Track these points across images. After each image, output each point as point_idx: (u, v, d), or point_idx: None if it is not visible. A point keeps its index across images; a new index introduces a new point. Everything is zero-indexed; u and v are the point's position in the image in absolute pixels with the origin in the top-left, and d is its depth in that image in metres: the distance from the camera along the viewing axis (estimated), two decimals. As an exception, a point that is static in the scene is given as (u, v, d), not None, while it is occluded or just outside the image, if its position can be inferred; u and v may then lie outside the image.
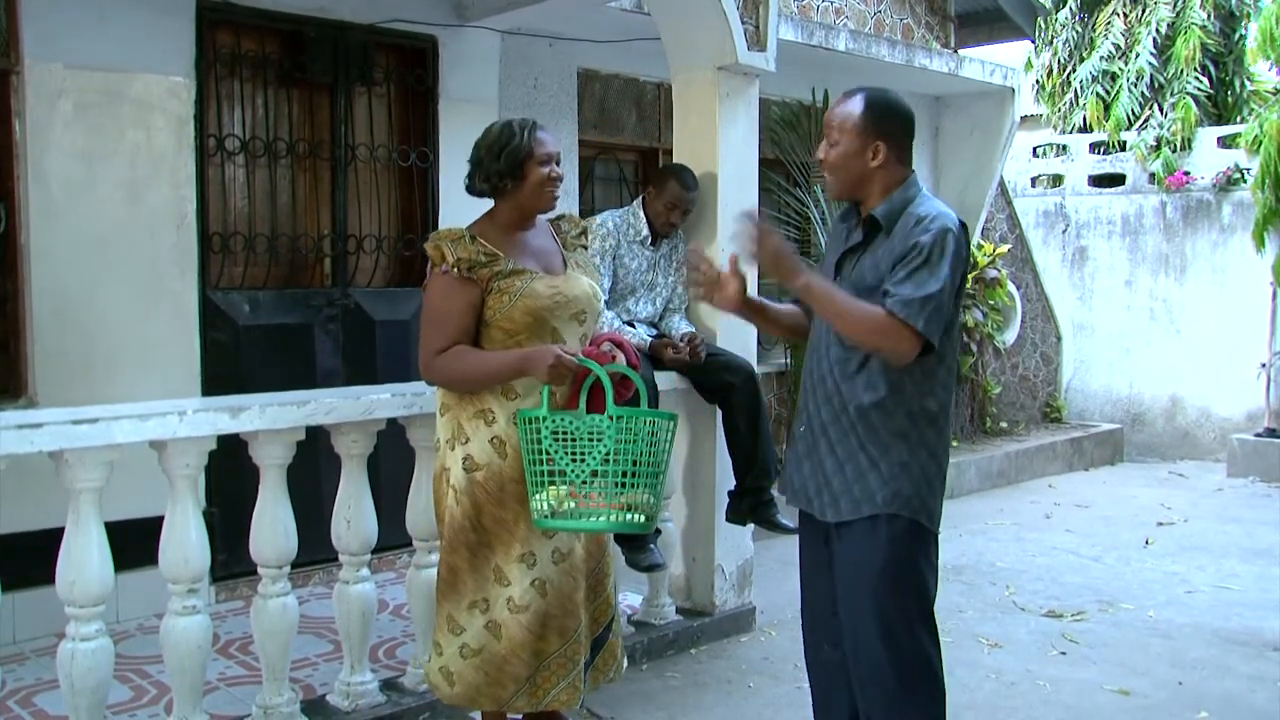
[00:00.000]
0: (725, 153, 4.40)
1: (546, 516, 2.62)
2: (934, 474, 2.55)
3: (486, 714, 3.02)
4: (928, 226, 2.46)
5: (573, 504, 2.60)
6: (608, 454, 2.57)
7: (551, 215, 3.07)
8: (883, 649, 2.52)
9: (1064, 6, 11.58)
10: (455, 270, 2.75)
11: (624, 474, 2.58)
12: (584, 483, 2.59)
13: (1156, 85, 10.64)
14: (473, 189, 2.94)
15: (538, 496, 2.63)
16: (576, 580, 2.88)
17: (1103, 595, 5.13)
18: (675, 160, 4.50)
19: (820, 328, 2.68)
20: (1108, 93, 10.90)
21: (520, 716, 3.18)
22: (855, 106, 2.57)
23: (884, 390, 2.49)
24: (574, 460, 2.59)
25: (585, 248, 3.13)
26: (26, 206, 4.17)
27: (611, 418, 2.58)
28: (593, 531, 2.79)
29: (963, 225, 2.54)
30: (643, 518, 2.62)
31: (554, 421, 2.62)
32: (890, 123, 2.57)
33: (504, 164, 2.82)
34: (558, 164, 2.90)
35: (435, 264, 2.80)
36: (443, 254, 2.77)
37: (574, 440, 2.60)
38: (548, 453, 2.61)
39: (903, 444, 2.51)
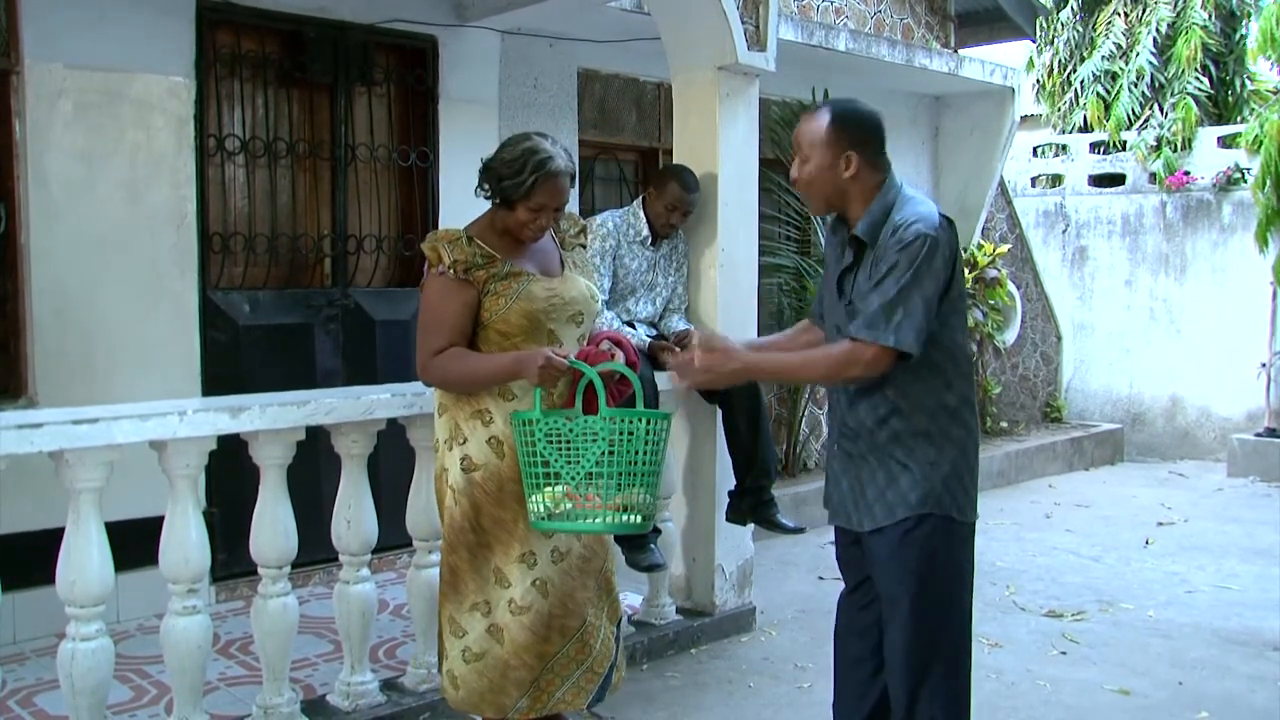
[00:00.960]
0: (725, 153, 4.40)
1: (543, 518, 2.62)
2: (963, 467, 2.59)
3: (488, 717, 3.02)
4: (901, 237, 2.46)
5: (569, 505, 2.59)
6: (602, 455, 2.56)
7: None
8: (919, 645, 2.56)
9: (1065, 6, 11.59)
10: (451, 271, 2.74)
11: (620, 474, 2.58)
12: (579, 484, 2.59)
13: (1157, 85, 10.64)
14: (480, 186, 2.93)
15: (534, 498, 2.63)
16: (578, 579, 2.87)
17: (1103, 595, 5.13)
18: (675, 160, 4.50)
19: None
20: (1108, 92, 10.90)
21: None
22: (822, 121, 2.57)
23: (896, 398, 2.53)
24: (569, 462, 2.59)
25: (584, 247, 3.11)
26: (26, 206, 4.17)
27: (606, 418, 2.58)
28: (591, 533, 2.79)
29: (946, 220, 2.53)
30: (639, 518, 2.61)
31: (547, 423, 2.61)
32: (859, 131, 2.57)
33: (499, 192, 2.80)
34: (558, 210, 2.85)
35: (432, 265, 2.80)
36: (439, 255, 2.76)
37: (569, 442, 2.60)
38: (542, 455, 2.60)
39: (928, 443, 2.54)
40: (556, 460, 2.59)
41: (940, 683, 2.57)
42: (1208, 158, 9.64)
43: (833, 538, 2.88)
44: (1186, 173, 9.62)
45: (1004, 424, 8.85)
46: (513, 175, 2.76)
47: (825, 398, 2.74)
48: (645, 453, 2.60)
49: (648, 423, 2.60)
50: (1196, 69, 10.46)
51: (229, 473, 4.19)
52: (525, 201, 2.77)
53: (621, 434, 2.57)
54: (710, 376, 2.66)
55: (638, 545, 3.89)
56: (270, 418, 3.03)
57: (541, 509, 2.60)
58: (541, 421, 2.60)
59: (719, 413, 4.29)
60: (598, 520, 2.59)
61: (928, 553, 2.54)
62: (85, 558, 2.76)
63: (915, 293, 2.43)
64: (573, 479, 2.58)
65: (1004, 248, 8.48)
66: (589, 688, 2.89)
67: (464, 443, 2.79)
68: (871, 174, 2.58)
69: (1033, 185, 10.44)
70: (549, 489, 2.60)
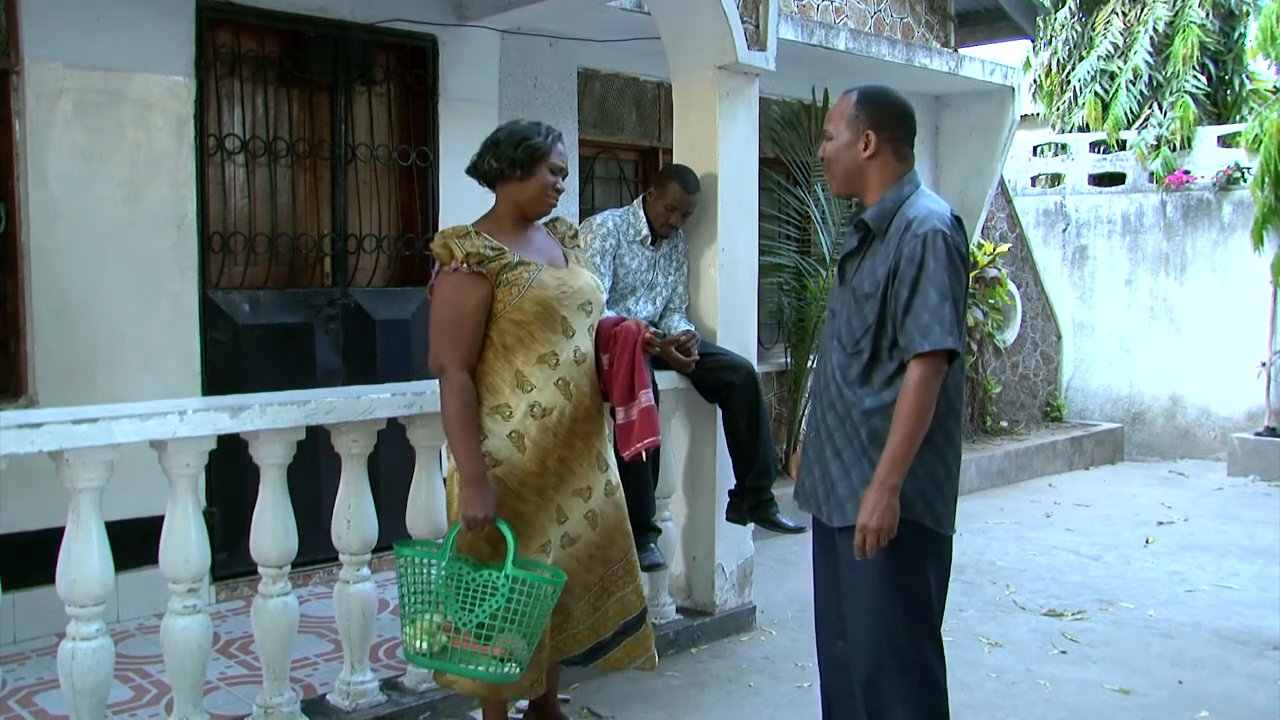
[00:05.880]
0: (725, 152, 4.40)
1: (424, 655, 2.70)
2: (942, 476, 2.52)
3: (487, 709, 3.03)
4: (916, 231, 2.44)
5: (445, 638, 2.68)
6: (497, 610, 2.63)
7: (546, 219, 3.11)
8: (883, 653, 2.51)
9: (1062, 6, 11.59)
10: (465, 265, 2.75)
11: (507, 626, 2.65)
12: (471, 630, 2.65)
13: (1155, 84, 10.65)
14: (476, 170, 2.95)
15: (409, 630, 2.72)
16: (586, 563, 2.97)
17: (1103, 594, 5.13)
18: (675, 160, 4.50)
19: (826, 333, 2.68)
20: (1106, 92, 10.91)
21: (520, 716, 3.19)
22: (849, 99, 2.61)
23: (889, 396, 2.47)
24: (463, 608, 2.66)
25: (580, 248, 3.19)
26: (26, 206, 4.17)
27: (509, 577, 2.64)
28: (466, 676, 2.81)
29: (956, 220, 2.51)
30: (516, 668, 2.69)
31: (451, 568, 2.69)
32: (881, 113, 2.58)
33: (520, 153, 2.86)
34: (564, 178, 2.96)
35: (444, 263, 2.80)
36: (451, 251, 2.77)
37: (468, 589, 2.67)
38: (438, 596, 2.68)
39: None
40: (451, 605, 2.66)
41: (902, 696, 2.51)
42: (1207, 157, 9.65)
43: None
44: (1186, 172, 9.62)
45: (1004, 423, 8.85)
46: (531, 136, 2.87)
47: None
48: (538, 610, 2.67)
49: (549, 589, 2.68)
50: (1194, 68, 10.47)
51: (229, 473, 4.20)
52: (544, 160, 2.87)
53: (518, 593, 2.63)
54: (886, 530, 2.41)
55: (639, 545, 3.87)
56: (270, 417, 3.03)
57: (423, 645, 2.69)
58: (447, 564, 2.69)
59: (719, 412, 4.28)
60: (479, 668, 2.67)
61: (896, 560, 2.45)
62: (85, 558, 2.76)
63: (952, 292, 2.41)
64: (464, 626, 2.65)
65: (1004, 247, 8.49)
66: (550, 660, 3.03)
67: (484, 439, 2.80)
68: (892, 162, 2.57)
69: (1033, 184, 10.44)
70: (424, 619, 2.68)
